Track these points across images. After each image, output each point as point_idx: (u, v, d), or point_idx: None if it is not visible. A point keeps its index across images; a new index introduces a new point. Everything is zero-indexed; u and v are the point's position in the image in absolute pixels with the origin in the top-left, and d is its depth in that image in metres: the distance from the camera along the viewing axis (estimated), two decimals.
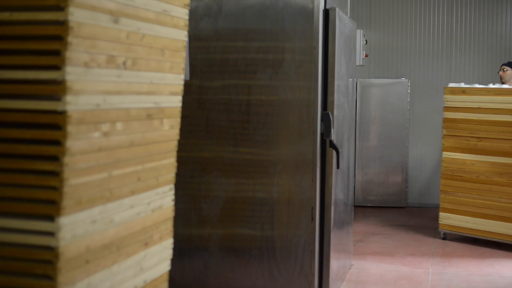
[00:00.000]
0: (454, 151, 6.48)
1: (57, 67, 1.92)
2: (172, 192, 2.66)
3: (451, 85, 6.54)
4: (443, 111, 6.55)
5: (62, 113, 1.93)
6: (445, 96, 6.52)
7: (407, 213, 8.04)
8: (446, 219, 6.59)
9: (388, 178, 8.44)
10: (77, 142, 1.98)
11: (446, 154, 6.52)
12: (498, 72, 7.56)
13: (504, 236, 6.24)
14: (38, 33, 1.94)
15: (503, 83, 7.49)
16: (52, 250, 1.94)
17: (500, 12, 8.50)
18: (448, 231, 6.63)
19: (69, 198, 1.96)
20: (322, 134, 4.38)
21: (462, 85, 6.48)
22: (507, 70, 7.55)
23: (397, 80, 8.44)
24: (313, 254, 4.36)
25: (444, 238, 6.69)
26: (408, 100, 8.40)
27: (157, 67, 2.44)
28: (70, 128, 1.94)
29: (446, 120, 6.51)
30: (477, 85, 6.46)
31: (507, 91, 6.19)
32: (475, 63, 8.55)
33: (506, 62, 7.82)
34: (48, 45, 1.93)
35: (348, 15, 6.26)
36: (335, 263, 4.70)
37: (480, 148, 6.31)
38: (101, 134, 2.10)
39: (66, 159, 1.94)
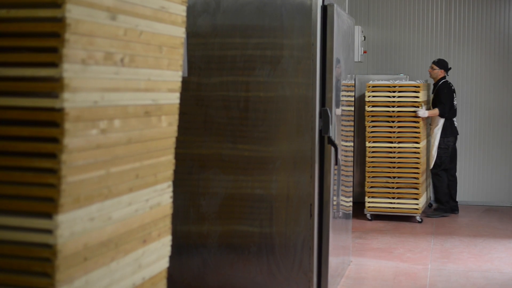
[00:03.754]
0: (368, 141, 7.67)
1: (55, 64, 1.91)
2: (170, 189, 2.66)
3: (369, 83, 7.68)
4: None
5: (60, 111, 1.92)
6: (366, 92, 7.62)
7: None
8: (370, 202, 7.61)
9: None
10: (74, 139, 1.97)
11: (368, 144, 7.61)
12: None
13: (385, 209, 7.37)
14: (35, 30, 1.94)
15: (433, 79, 7.51)
16: (50, 248, 1.94)
17: (498, 8, 8.49)
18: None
19: (67, 195, 1.96)
20: (320, 131, 4.38)
21: (370, 82, 7.54)
22: (435, 68, 7.51)
23: (396, 76, 8.42)
24: (311, 251, 4.36)
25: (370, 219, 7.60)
26: None
27: (155, 64, 2.44)
28: (68, 126, 1.93)
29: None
30: (381, 82, 7.57)
31: (384, 86, 7.28)
32: (473, 59, 8.54)
33: (436, 60, 7.72)
34: (45, 42, 1.92)
35: (347, 11, 6.27)
36: (334, 260, 4.70)
37: (371, 135, 7.47)
38: (99, 131, 2.10)
39: (64, 157, 1.93)
